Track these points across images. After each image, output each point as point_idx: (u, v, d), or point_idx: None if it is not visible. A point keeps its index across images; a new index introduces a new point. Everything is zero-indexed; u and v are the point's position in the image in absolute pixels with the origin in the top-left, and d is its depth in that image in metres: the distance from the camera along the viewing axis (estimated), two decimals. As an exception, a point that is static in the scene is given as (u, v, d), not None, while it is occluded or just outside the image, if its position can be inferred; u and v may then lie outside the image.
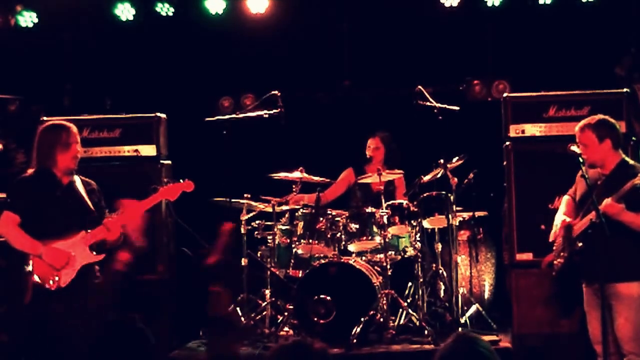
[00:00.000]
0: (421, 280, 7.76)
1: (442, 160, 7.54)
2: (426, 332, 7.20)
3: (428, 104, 7.62)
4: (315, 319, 7.17)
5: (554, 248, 6.08)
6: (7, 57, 8.58)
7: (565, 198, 6.20)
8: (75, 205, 6.02)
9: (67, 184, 6.01)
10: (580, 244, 5.86)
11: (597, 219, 5.65)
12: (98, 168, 7.39)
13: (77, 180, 6.10)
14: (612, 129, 5.94)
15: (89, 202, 6.07)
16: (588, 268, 5.85)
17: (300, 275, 7.51)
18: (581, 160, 6.17)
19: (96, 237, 5.91)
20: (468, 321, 7.49)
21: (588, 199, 5.82)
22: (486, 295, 8.22)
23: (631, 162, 5.93)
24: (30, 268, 5.77)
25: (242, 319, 7.41)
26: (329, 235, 7.63)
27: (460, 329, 7.21)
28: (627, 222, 5.69)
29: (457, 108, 7.70)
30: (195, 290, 7.45)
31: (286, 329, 7.35)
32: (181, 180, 6.35)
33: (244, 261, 7.72)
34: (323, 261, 7.47)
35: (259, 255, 7.86)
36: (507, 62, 8.74)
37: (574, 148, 6.27)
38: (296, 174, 7.76)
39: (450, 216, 7.59)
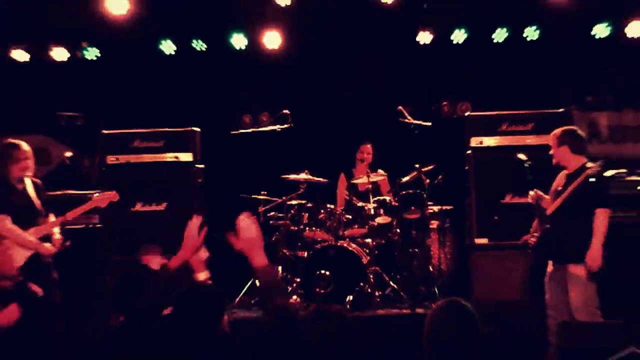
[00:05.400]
0: (400, 259, 7.78)
1: (417, 165, 7.58)
2: (404, 300, 7.25)
3: (407, 120, 7.66)
4: (317, 289, 7.20)
5: (531, 230, 6.06)
6: (77, 82, 8.62)
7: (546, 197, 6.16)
8: (27, 206, 6.06)
9: (20, 190, 6.05)
10: (548, 226, 5.86)
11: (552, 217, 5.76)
12: (147, 170, 7.46)
13: (28, 183, 6.12)
14: (569, 137, 5.92)
15: (38, 202, 6.10)
16: (552, 248, 5.87)
17: (305, 255, 7.53)
18: (526, 165, 6.20)
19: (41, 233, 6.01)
20: (437, 290, 7.53)
21: (557, 191, 5.88)
22: (451, 270, 8.20)
23: (589, 164, 5.85)
24: None
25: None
26: (328, 224, 7.65)
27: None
28: (602, 239, 5.64)
29: (430, 124, 7.75)
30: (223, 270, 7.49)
31: (294, 297, 7.38)
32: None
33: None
34: (323, 244, 7.49)
35: (273, 239, 7.88)
36: (469, 87, 8.77)
37: (521, 155, 6.32)
38: (302, 175, 7.79)
39: (424, 209, 7.64)
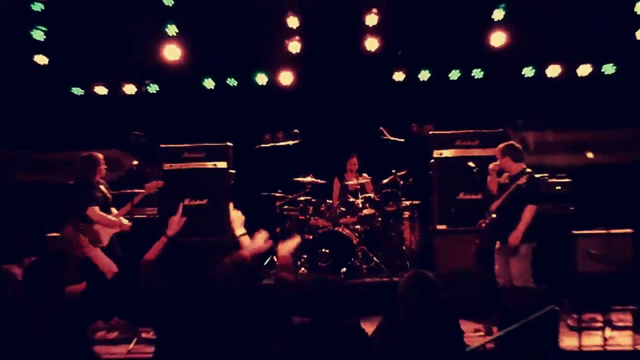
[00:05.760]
0: (381, 241, 7.79)
1: (394, 171, 7.60)
2: (384, 271, 7.27)
3: (386, 137, 7.68)
4: (320, 263, 7.26)
5: (487, 214, 6.05)
6: (142, 110, 8.63)
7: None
8: (105, 200, 6.27)
9: (100, 188, 6.25)
10: (494, 215, 5.86)
11: (498, 209, 5.77)
12: (193, 175, 7.42)
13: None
14: (511, 150, 5.92)
15: (110, 197, 6.33)
16: (498, 232, 5.88)
17: (311, 238, 7.55)
18: (474, 171, 6.21)
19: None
20: (408, 264, 7.56)
21: (502, 190, 5.90)
22: (419, 249, 8.21)
23: (528, 169, 5.84)
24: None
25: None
26: (327, 215, 7.69)
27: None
28: (525, 227, 5.66)
29: (403, 140, 7.76)
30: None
31: (303, 268, 7.40)
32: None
33: (277, 229, 7.74)
34: (324, 230, 7.52)
35: (287, 225, 7.88)
36: (433, 113, 8.72)
37: (470, 163, 6.33)
38: (308, 178, 7.82)
39: (399, 203, 7.65)
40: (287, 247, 4.14)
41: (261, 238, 4.17)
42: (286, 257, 4.01)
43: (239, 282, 3.56)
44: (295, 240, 4.24)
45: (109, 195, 6.36)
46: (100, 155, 6.34)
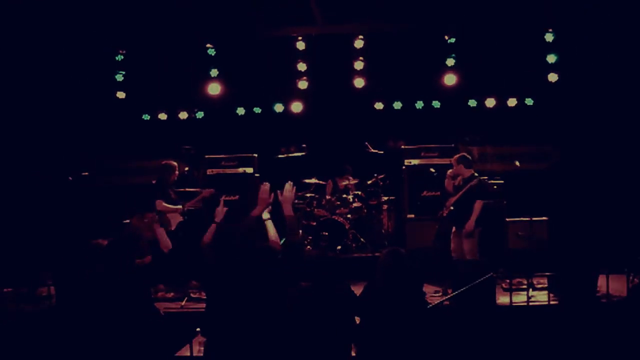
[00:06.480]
0: (366, 226, 7.73)
1: (375, 174, 7.58)
2: (369, 248, 7.22)
3: (369, 150, 7.64)
4: (322, 243, 7.23)
5: (445, 207, 6.00)
6: (191, 130, 8.53)
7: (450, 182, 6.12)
8: (174, 195, 6.39)
9: (172, 187, 6.41)
10: (452, 208, 5.84)
11: (455, 203, 5.70)
12: (228, 177, 7.43)
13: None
14: (463, 159, 5.91)
15: (176, 195, 6.46)
16: (455, 220, 5.85)
17: (315, 224, 7.52)
18: (434, 175, 6.17)
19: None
20: (386, 243, 7.52)
21: (456, 189, 5.88)
22: (394, 232, 8.12)
23: (476, 174, 5.85)
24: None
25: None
26: (327, 207, 7.67)
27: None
28: (476, 217, 5.65)
29: (382, 152, 7.73)
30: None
31: (308, 247, 7.36)
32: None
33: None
34: (324, 218, 7.48)
35: (297, 215, 7.79)
36: (404, 132, 8.58)
37: (431, 169, 6.28)
38: (313, 180, 7.78)
39: (379, 198, 7.63)
40: (288, 201, 3.76)
41: (264, 192, 3.78)
42: (291, 216, 3.74)
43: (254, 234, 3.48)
44: (289, 189, 3.75)
45: (174, 190, 6.57)
46: (175, 163, 6.46)
